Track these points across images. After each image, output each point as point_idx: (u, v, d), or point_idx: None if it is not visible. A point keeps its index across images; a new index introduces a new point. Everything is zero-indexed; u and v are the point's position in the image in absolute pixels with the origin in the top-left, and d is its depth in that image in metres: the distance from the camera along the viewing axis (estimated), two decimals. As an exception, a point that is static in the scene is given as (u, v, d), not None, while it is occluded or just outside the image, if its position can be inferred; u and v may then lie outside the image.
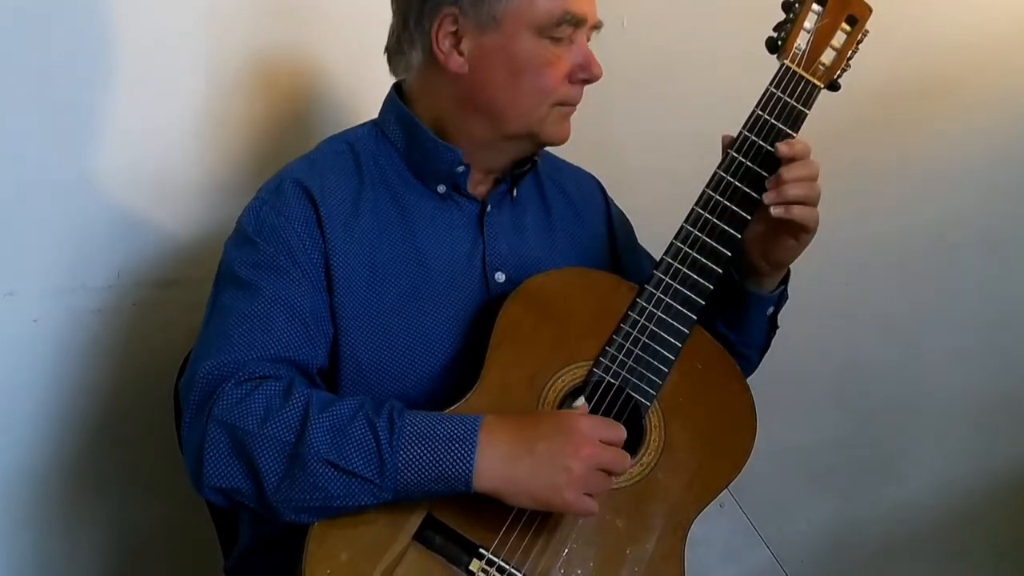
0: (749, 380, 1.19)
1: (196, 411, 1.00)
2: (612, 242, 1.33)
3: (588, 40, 1.15)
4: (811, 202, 1.09)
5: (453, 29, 1.11)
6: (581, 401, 1.08)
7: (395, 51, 1.19)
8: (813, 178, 1.09)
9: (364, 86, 1.56)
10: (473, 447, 0.97)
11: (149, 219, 1.37)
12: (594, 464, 0.99)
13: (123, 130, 1.32)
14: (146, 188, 1.36)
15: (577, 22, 1.11)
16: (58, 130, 1.26)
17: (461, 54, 1.12)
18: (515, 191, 1.23)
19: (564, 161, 1.35)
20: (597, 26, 1.15)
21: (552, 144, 1.18)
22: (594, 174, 1.39)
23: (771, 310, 1.22)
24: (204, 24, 1.39)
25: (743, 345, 1.23)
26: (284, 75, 1.51)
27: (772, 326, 1.25)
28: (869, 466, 1.82)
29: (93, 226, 1.31)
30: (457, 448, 0.97)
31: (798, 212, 1.08)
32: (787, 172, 1.08)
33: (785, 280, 1.23)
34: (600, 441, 1.00)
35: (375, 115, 1.23)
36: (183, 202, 1.41)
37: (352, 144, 1.19)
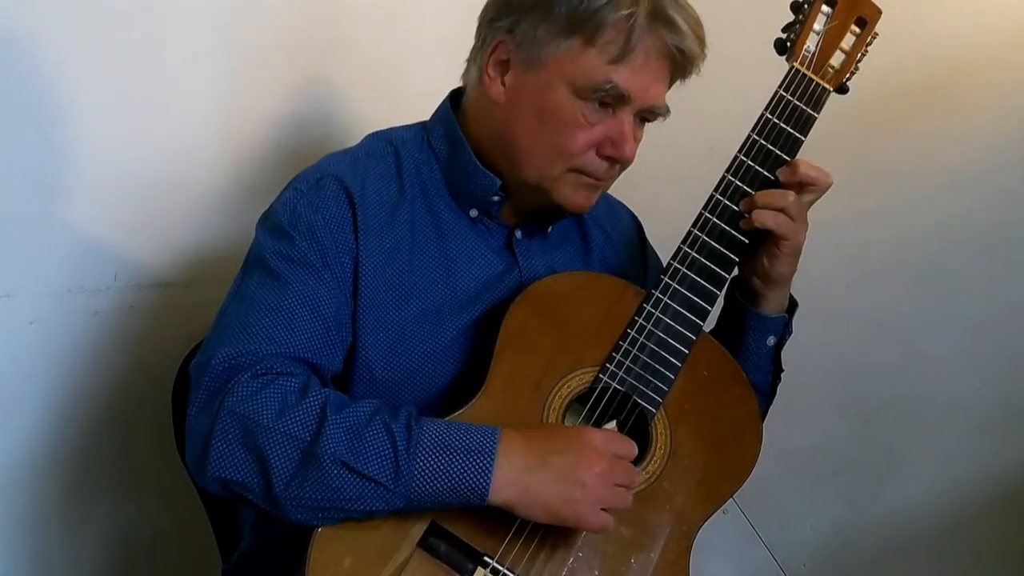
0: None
1: (208, 398, 0.98)
2: (643, 279, 1.31)
3: (641, 121, 1.11)
4: (789, 213, 1.08)
5: (505, 58, 1.09)
6: (612, 424, 1.07)
7: (469, 60, 1.16)
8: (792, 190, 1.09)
9: (373, 96, 1.56)
10: (491, 460, 0.95)
11: (147, 221, 1.37)
12: (609, 479, 0.98)
13: (122, 132, 1.31)
14: (144, 191, 1.35)
15: (619, 96, 1.06)
16: (56, 132, 1.25)
17: (504, 84, 1.10)
18: (550, 228, 1.21)
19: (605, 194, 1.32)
20: (657, 111, 1.10)
21: (566, 209, 1.14)
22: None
23: (772, 340, 1.19)
24: (212, 29, 1.38)
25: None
26: (294, 81, 1.51)
27: (776, 367, 1.23)
28: (871, 470, 1.82)
29: (91, 228, 1.31)
30: (475, 460, 0.95)
31: (769, 219, 1.08)
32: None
33: (791, 312, 1.21)
34: (614, 456, 0.99)
35: (384, 127, 1.21)
36: (181, 204, 1.40)
37: (397, 147, 1.16)
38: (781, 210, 1.08)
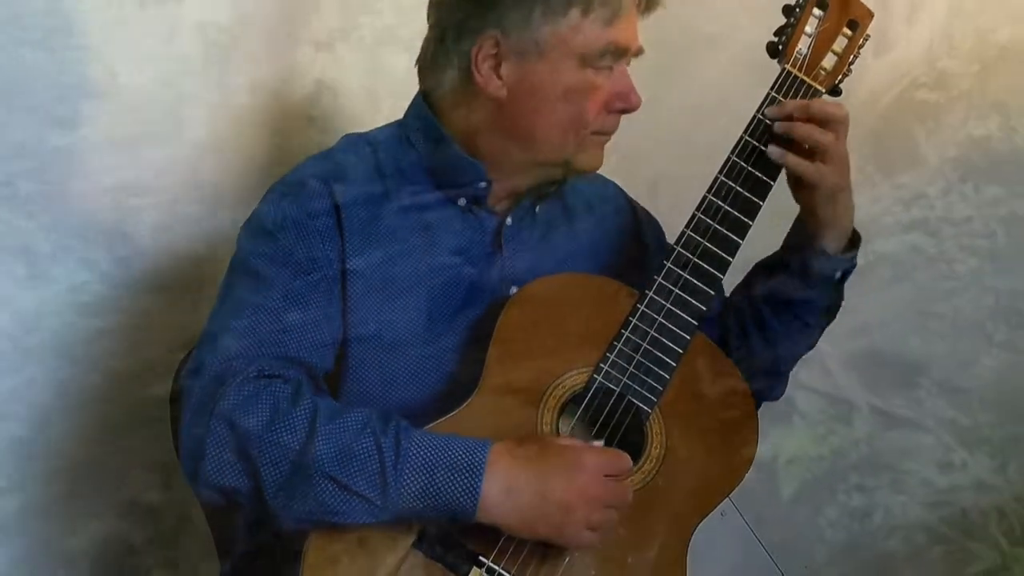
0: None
1: (200, 405, 0.98)
2: (641, 244, 1.30)
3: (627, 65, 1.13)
4: (819, 152, 1.08)
5: (494, 52, 1.09)
6: (600, 444, 1.06)
7: (428, 66, 1.15)
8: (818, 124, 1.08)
9: (367, 95, 1.56)
10: (479, 479, 0.96)
11: (145, 223, 1.36)
12: (597, 502, 0.99)
13: (118, 133, 1.31)
14: (142, 192, 1.35)
15: (620, 53, 1.09)
16: (52, 132, 1.25)
17: (500, 78, 1.09)
18: (537, 208, 1.21)
19: None
20: (637, 53, 1.13)
21: (585, 172, 1.16)
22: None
23: (839, 274, 1.18)
24: (207, 29, 1.38)
25: (795, 312, 1.21)
26: (289, 83, 1.51)
27: (838, 294, 1.22)
28: (871, 470, 1.81)
29: (88, 230, 1.31)
30: (462, 479, 0.96)
31: (792, 161, 1.08)
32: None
33: (853, 246, 1.18)
34: (605, 475, 1.00)
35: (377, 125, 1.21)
36: (180, 207, 1.40)
37: (375, 147, 1.16)
38: (814, 149, 1.07)
